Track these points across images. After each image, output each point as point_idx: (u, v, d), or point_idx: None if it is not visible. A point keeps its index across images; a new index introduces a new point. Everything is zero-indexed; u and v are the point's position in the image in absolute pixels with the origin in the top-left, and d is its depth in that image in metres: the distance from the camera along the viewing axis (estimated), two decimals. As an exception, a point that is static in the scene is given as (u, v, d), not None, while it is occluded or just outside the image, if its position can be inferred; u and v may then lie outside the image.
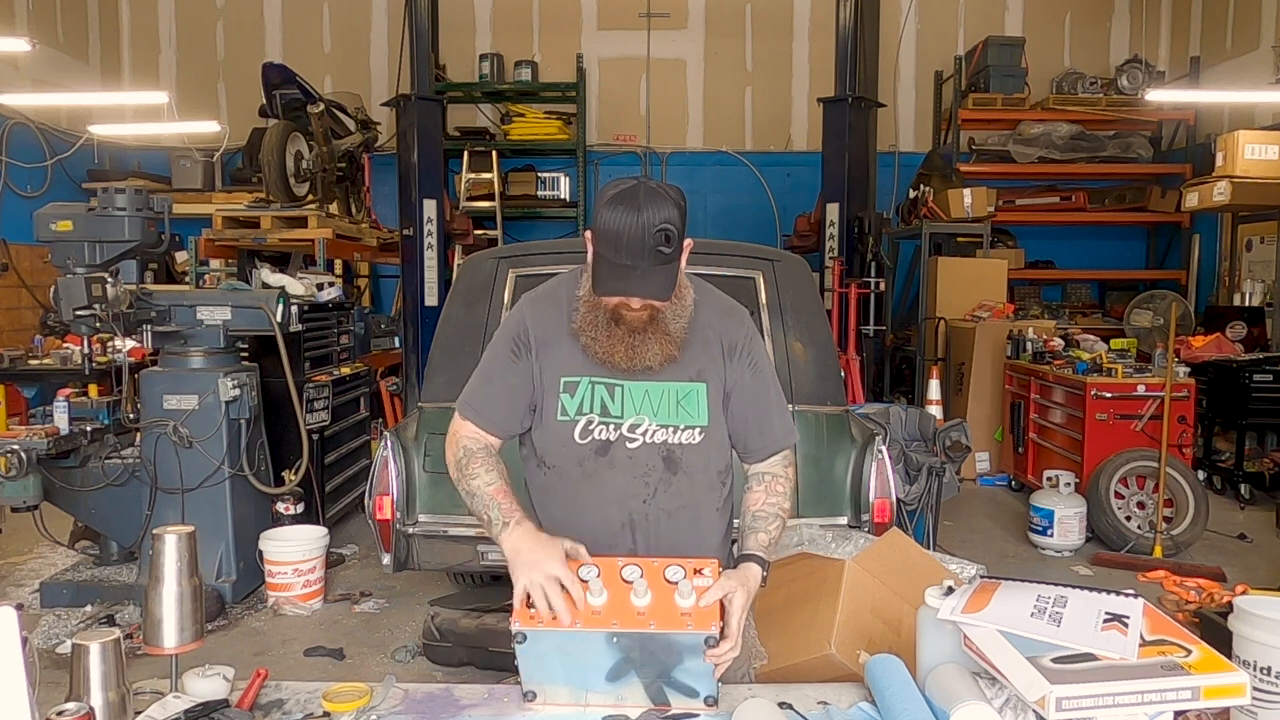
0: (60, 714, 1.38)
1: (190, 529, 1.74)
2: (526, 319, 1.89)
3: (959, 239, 8.55)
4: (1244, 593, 3.15)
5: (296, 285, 5.32)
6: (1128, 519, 5.46)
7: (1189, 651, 1.39)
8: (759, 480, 1.93)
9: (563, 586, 1.60)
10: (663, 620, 1.58)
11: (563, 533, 1.87)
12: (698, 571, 1.65)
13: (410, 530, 3.58)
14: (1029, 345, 6.71)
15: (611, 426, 1.82)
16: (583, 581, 1.63)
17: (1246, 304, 8.12)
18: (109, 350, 5.05)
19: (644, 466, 1.83)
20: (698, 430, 1.85)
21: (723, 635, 1.60)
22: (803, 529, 2.86)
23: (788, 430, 1.96)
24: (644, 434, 1.83)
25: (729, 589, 1.66)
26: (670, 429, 1.83)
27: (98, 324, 3.96)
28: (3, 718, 1.21)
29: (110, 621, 4.17)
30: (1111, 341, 6.77)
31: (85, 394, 4.46)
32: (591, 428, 1.82)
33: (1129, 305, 8.29)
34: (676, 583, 1.62)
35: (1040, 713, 1.34)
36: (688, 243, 1.77)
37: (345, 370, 5.88)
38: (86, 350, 4.26)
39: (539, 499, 1.93)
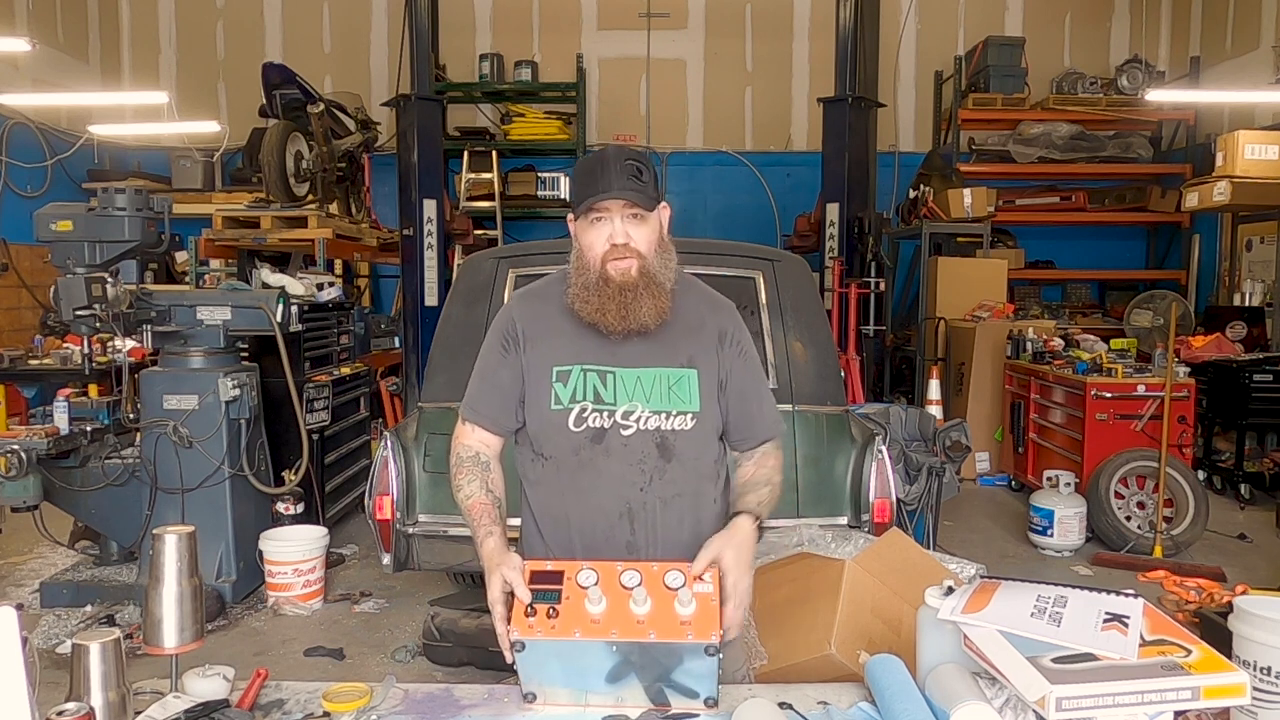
0: (60, 714, 1.38)
1: (190, 529, 1.74)
2: (514, 313, 1.93)
3: (959, 239, 8.55)
4: (1244, 593, 3.15)
5: (296, 285, 5.32)
6: (1128, 519, 5.46)
7: (1189, 651, 1.39)
8: (749, 457, 1.96)
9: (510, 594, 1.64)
10: (662, 629, 1.57)
11: (561, 526, 1.88)
12: (698, 578, 1.64)
13: (410, 530, 3.59)
14: (1029, 345, 6.71)
15: (605, 413, 1.83)
16: (581, 588, 1.62)
17: (1246, 304, 8.11)
18: (109, 350, 5.05)
19: (639, 454, 1.83)
20: (690, 416, 1.85)
21: (722, 601, 1.63)
22: (803, 529, 2.86)
23: (776, 419, 2.00)
24: (637, 421, 1.83)
25: (716, 549, 1.69)
26: (663, 415, 1.84)
27: (98, 324, 3.96)
28: (3, 718, 1.21)
29: (110, 621, 4.17)
30: (1111, 341, 6.77)
31: (85, 394, 4.46)
32: (586, 415, 1.83)
33: (1129, 305, 8.29)
34: (676, 589, 1.61)
35: (1040, 713, 1.34)
36: (665, 209, 1.86)
37: (345, 370, 5.88)
38: (86, 350, 4.26)
39: (536, 494, 1.92)
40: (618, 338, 1.82)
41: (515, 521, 1.95)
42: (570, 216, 1.84)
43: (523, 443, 1.94)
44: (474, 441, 1.92)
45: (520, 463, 1.95)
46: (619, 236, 1.78)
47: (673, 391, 1.85)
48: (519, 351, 1.89)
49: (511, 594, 1.63)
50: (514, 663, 1.62)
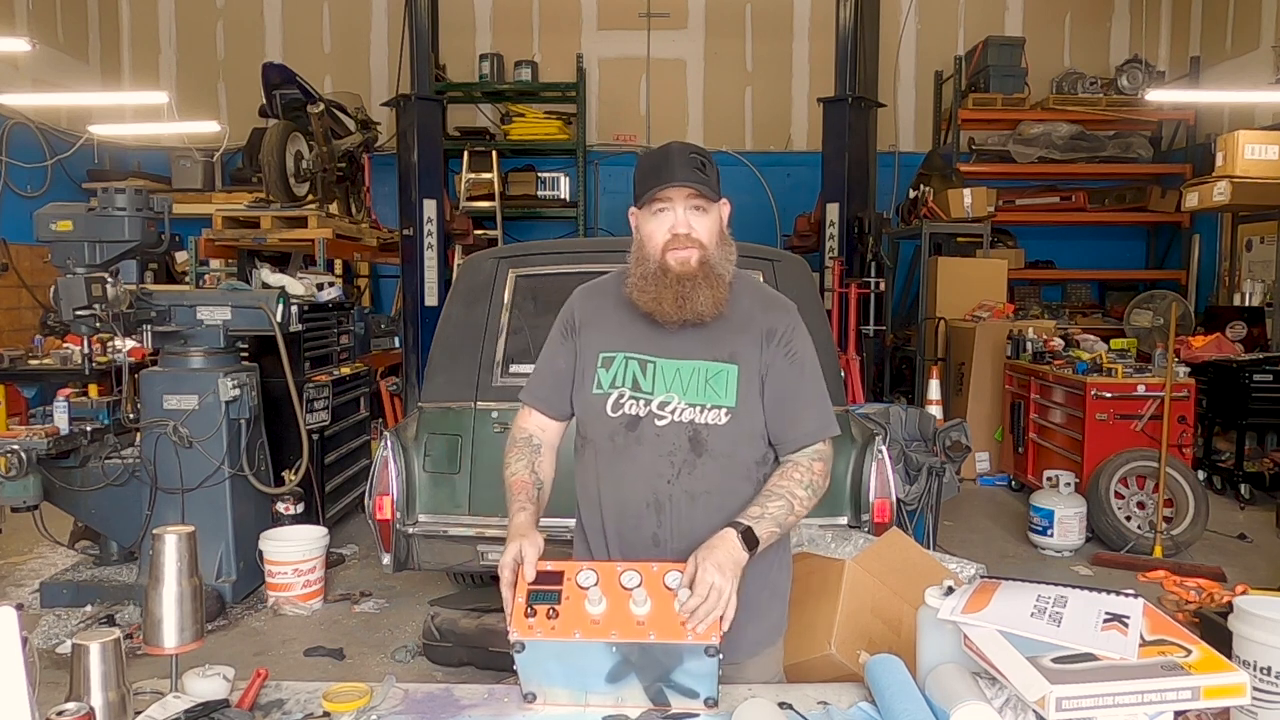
0: (60, 714, 1.38)
1: (190, 529, 1.74)
2: (575, 305, 2.01)
3: (959, 239, 8.55)
4: (1244, 593, 3.14)
5: (296, 285, 5.32)
6: (1128, 519, 5.45)
7: (1189, 651, 1.39)
8: (780, 466, 1.90)
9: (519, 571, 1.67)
10: (662, 630, 1.56)
11: (594, 511, 1.91)
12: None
13: (410, 530, 3.59)
14: (1029, 345, 6.71)
15: (641, 402, 1.85)
16: (581, 589, 1.61)
17: (1246, 304, 8.11)
18: (109, 350, 5.05)
19: (670, 445, 1.84)
20: (724, 411, 1.84)
21: (694, 588, 1.59)
22: (803, 529, 2.86)
23: (824, 424, 1.89)
24: (672, 412, 1.84)
25: (693, 565, 1.63)
26: (698, 408, 1.84)
27: (98, 324, 3.96)
28: (3, 718, 1.21)
29: (110, 621, 4.17)
30: (1111, 341, 6.77)
31: (85, 394, 4.46)
32: (623, 401, 1.86)
33: (1129, 305, 8.29)
34: (675, 589, 1.61)
35: (1040, 713, 1.34)
36: (726, 204, 1.91)
37: (345, 370, 5.88)
38: (86, 350, 4.26)
39: (578, 478, 1.97)
40: (671, 328, 1.83)
41: (553, 521, 1.99)
42: (632, 210, 1.87)
43: (576, 429, 1.99)
44: (530, 425, 1.99)
45: (574, 448, 2.00)
46: (681, 226, 1.80)
47: (709, 385, 1.85)
48: (574, 337, 1.95)
49: (517, 577, 1.65)
50: (517, 645, 1.62)
